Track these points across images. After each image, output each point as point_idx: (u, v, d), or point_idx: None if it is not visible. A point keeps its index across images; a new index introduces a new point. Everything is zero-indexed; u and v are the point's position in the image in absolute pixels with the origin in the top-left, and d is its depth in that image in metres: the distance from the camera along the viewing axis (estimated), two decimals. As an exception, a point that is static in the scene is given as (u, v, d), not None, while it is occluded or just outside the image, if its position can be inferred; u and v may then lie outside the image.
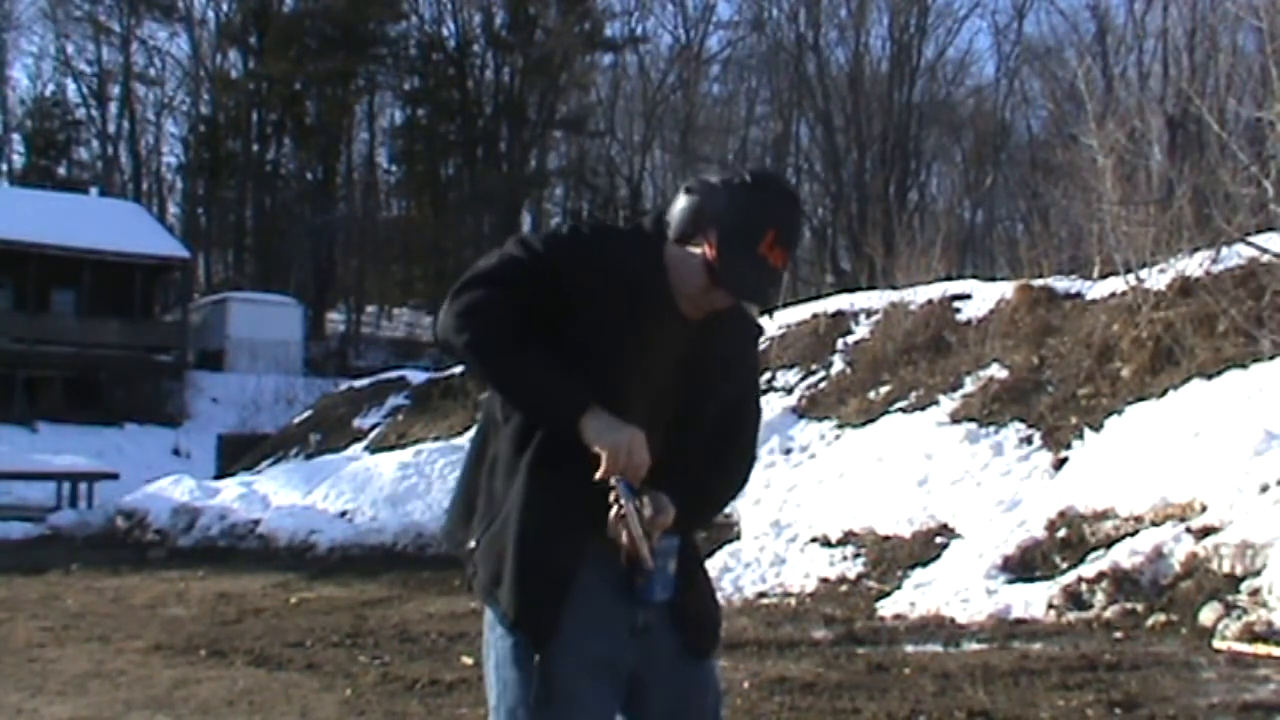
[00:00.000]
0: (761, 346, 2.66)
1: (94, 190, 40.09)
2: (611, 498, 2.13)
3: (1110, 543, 8.15)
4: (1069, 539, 8.52)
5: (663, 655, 2.27)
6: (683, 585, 2.27)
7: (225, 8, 45.45)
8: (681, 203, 2.24)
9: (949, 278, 15.93)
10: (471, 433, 2.43)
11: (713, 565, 9.03)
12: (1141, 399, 10.37)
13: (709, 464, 2.34)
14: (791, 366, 14.28)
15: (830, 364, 14.09)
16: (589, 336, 2.18)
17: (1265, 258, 11.18)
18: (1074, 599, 7.69)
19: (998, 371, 12.11)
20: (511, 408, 2.22)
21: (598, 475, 2.12)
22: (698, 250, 2.23)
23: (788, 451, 12.22)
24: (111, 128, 46.13)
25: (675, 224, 2.24)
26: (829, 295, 16.49)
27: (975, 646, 7.02)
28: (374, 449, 16.60)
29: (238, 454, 20.11)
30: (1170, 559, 7.63)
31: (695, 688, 2.34)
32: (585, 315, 2.18)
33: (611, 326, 2.19)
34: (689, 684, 2.32)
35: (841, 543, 9.87)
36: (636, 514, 2.13)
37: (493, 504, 2.25)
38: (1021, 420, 11.03)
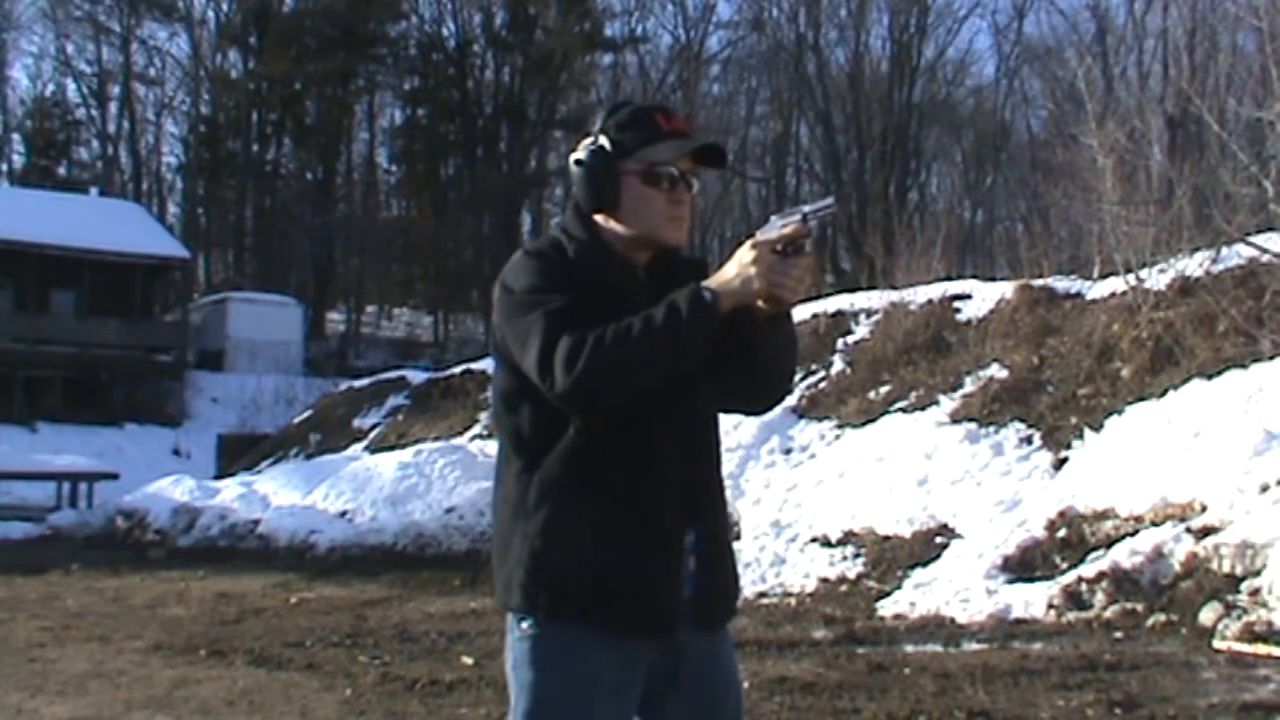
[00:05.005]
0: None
1: (94, 190, 40.05)
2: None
3: (1110, 543, 8.15)
4: (1069, 539, 8.52)
5: (683, 655, 2.23)
6: (707, 572, 2.25)
7: (225, 8, 45.48)
8: (583, 175, 2.25)
9: (949, 278, 15.90)
10: (492, 455, 2.32)
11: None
12: (1141, 399, 10.36)
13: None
14: (791, 366, 14.25)
15: (830, 364, 14.07)
16: None
17: (1265, 258, 11.18)
18: (1074, 599, 7.70)
19: (998, 371, 12.10)
20: (673, 367, 2.11)
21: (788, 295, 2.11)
22: (627, 192, 2.22)
23: (788, 451, 12.20)
24: (111, 128, 46.16)
25: (594, 194, 2.24)
26: (829, 295, 16.44)
27: (975, 646, 7.02)
28: (374, 449, 16.58)
29: (238, 454, 20.09)
30: (1170, 559, 7.64)
31: (717, 689, 2.30)
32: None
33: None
34: (711, 685, 2.28)
35: (841, 543, 9.87)
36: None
37: (558, 526, 2.16)
38: (1021, 420, 11.02)
